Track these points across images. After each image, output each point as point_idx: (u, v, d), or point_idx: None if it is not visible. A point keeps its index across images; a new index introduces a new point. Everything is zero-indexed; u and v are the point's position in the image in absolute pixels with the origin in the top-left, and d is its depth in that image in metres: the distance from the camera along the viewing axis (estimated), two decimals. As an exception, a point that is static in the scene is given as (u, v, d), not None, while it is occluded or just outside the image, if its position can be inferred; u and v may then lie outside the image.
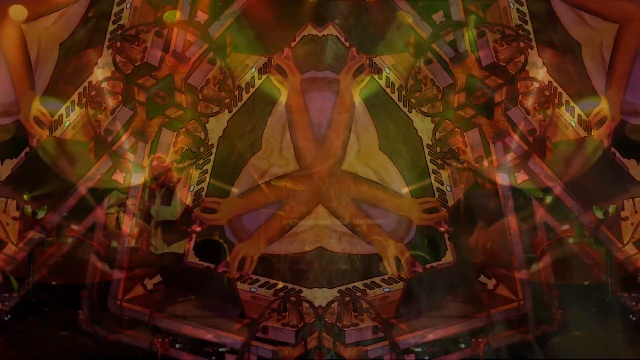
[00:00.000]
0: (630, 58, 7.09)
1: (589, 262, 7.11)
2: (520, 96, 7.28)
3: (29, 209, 7.02)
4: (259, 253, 7.17)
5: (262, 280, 7.10)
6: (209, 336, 6.83)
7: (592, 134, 7.23)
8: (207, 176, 7.34)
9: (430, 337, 6.85)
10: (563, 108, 7.29)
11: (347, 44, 7.37)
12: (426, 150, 7.37)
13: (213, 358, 6.80)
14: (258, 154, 7.45)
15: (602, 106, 7.20)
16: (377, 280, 7.12)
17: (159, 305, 6.92)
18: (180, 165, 7.26)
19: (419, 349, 6.84)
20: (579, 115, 7.27)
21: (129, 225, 7.05)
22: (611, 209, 7.09)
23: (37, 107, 7.08)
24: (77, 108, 7.20)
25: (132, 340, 6.83)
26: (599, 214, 7.06)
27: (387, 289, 7.06)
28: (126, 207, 6.99)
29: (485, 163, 7.31)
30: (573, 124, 7.28)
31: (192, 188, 7.30)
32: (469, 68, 7.31)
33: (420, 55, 7.35)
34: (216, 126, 7.38)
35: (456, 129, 7.36)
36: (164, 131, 7.30)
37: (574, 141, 7.27)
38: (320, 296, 6.98)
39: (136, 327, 6.86)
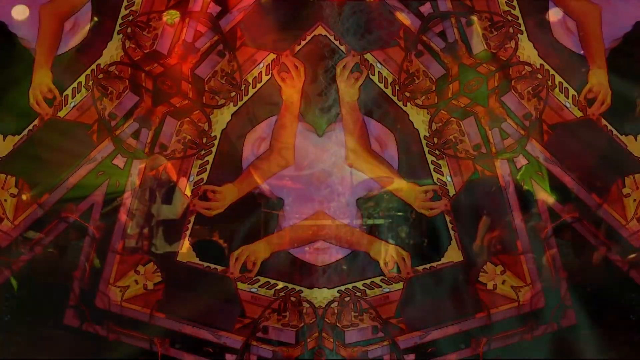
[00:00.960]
0: (601, 43, 7.14)
1: (595, 242, 7.04)
2: (513, 81, 7.19)
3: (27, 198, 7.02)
4: (262, 257, 7.15)
5: (262, 280, 7.10)
6: (209, 336, 6.85)
7: (587, 113, 7.15)
8: (208, 167, 7.31)
9: (430, 337, 6.81)
10: (557, 90, 7.20)
11: (337, 43, 7.33)
12: (424, 142, 7.35)
13: (213, 358, 6.82)
14: (257, 153, 7.44)
15: (592, 83, 7.14)
16: (377, 280, 7.08)
17: (159, 305, 6.91)
18: (180, 156, 7.23)
19: (419, 349, 6.84)
20: (573, 96, 7.18)
21: (129, 225, 7.05)
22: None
23: (48, 84, 7.14)
24: (83, 90, 7.22)
25: (132, 340, 6.85)
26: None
27: (387, 289, 7.05)
28: (126, 207, 6.97)
29: (484, 150, 7.28)
30: (568, 105, 7.20)
31: (191, 178, 7.29)
32: (460, 57, 7.27)
33: (411, 49, 7.32)
34: (220, 119, 7.35)
35: (452, 119, 7.26)
36: (168, 119, 7.27)
37: (570, 122, 7.18)
38: (320, 296, 7.00)
39: (136, 327, 6.87)
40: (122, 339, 6.84)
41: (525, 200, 7.14)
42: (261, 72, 7.40)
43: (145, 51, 7.23)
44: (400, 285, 7.00)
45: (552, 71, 7.24)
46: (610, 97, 7.14)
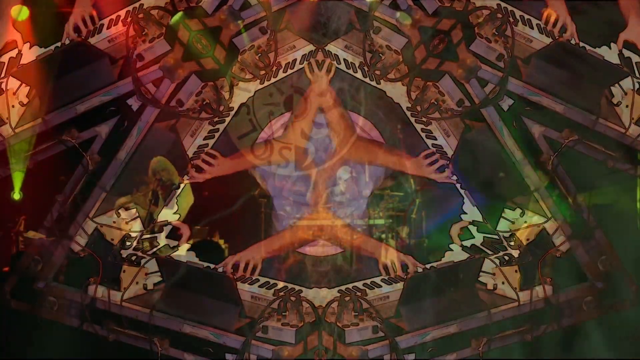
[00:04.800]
0: None
1: (600, 157, 7.07)
2: (476, 28, 7.20)
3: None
4: (261, 259, 7.15)
5: (262, 280, 7.11)
6: (209, 336, 6.85)
7: (557, 37, 7.18)
8: (217, 135, 7.31)
9: (430, 337, 6.86)
10: (520, 24, 7.22)
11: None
12: (408, 114, 7.34)
13: (213, 358, 6.83)
14: (257, 153, 7.44)
15: (549, 11, 7.14)
16: (377, 280, 7.11)
17: (159, 305, 6.91)
18: (194, 116, 7.24)
19: (419, 349, 6.85)
20: (537, 25, 7.20)
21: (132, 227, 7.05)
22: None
23: (90, 9, 7.10)
24: (120, 24, 7.18)
25: (132, 340, 6.85)
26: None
27: (387, 289, 7.06)
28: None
29: (468, 104, 7.26)
30: (535, 35, 7.21)
31: (197, 140, 7.29)
32: (418, 21, 7.25)
33: (367, 28, 7.27)
34: (242, 93, 7.34)
35: (428, 83, 7.28)
36: (192, 77, 7.25)
37: (542, 50, 7.17)
38: (320, 296, 7.01)
39: (136, 327, 6.87)
40: (122, 339, 6.84)
41: (523, 138, 7.15)
42: (296, 59, 7.40)
43: (191, 4, 7.19)
44: (400, 285, 6.99)
45: (510, 7, 7.24)
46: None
